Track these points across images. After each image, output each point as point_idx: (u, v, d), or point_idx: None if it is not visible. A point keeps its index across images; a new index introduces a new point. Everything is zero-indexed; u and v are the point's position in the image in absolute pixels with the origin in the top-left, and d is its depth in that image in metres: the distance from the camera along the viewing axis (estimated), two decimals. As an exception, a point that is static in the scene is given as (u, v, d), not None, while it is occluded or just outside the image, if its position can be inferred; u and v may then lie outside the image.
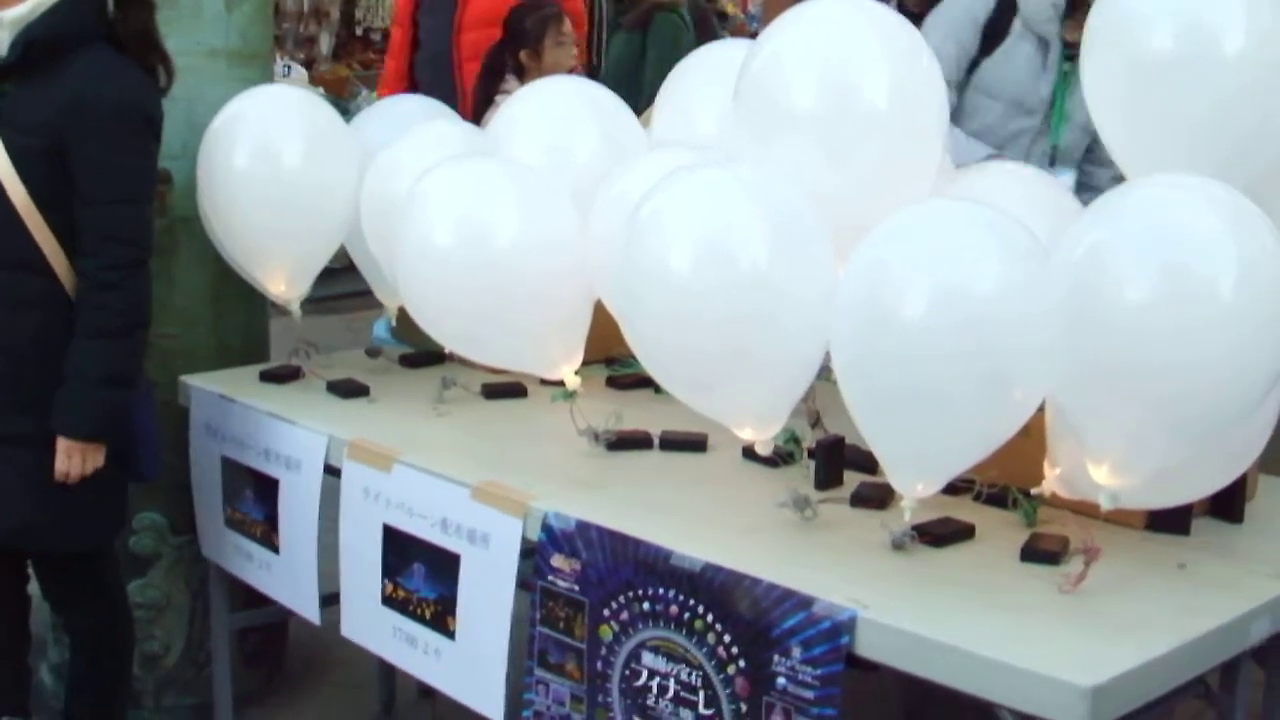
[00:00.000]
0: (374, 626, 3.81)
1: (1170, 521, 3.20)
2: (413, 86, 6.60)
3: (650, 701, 3.13)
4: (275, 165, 4.21)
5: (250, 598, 4.51)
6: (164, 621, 4.68)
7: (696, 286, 3.08)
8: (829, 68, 3.23)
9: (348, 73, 11.68)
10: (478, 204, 3.68)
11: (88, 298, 3.81)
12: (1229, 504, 3.28)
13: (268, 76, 4.83)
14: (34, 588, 4.29)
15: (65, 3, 3.87)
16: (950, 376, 2.84)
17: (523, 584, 3.43)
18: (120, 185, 3.85)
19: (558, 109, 4.10)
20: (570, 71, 6.14)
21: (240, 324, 4.73)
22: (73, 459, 3.81)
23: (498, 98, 6.13)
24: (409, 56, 6.80)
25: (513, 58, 6.26)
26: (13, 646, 4.35)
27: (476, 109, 6.02)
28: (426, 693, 4.82)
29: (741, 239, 3.09)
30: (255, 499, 4.19)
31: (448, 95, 5.75)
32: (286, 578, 4.15)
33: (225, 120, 4.28)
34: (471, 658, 3.53)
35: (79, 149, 3.80)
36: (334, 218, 4.27)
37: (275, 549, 4.15)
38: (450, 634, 3.57)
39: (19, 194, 3.80)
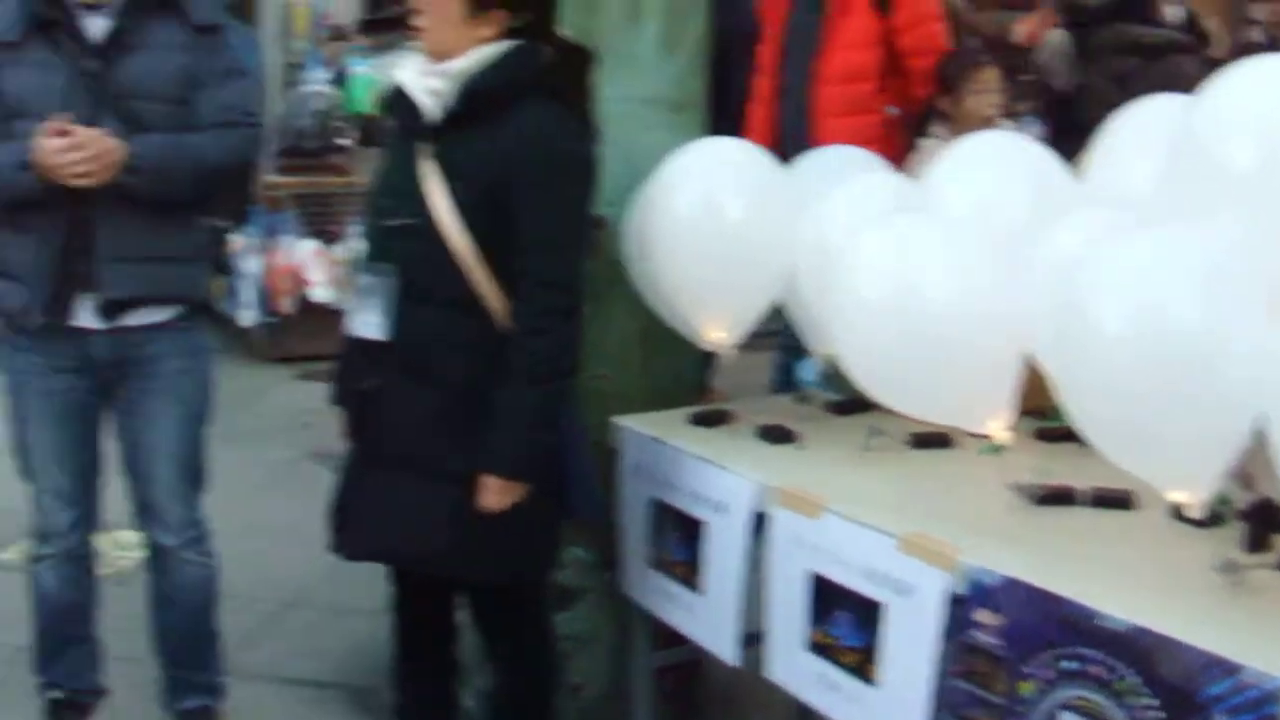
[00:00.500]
0: (798, 671, 3.92)
1: None
2: (777, 136, 6.63)
3: (1068, 761, 3.18)
4: (719, 219, 4.35)
5: (670, 636, 4.66)
6: (587, 654, 4.86)
7: (1130, 346, 3.13)
8: (1269, 126, 3.27)
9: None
10: (910, 259, 3.79)
11: (519, 342, 4.01)
12: None
13: (702, 125, 4.97)
14: (463, 615, 4.54)
15: (508, 55, 4.07)
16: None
17: (944, 637, 3.50)
18: (557, 233, 4.03)
19: (991, 163, 4.14)
20: (989, 121, 6.19)
21: (671, 366, 4.90)
22: (493, 496, 4.03)
23: (921, 141, 6.27)
24: (775, 106, 6.85)
25: (937, 103, 6.39)
26: (442, 672, 4.61)
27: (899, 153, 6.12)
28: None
29: (1177, 300, 3.13)
30: (680, 540, 4.35)
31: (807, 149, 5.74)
32: (707, 619, 4.29)
33: (669, 172, 4.44)
34: (893, 707, 3.62)
35: (520, 197, 3.98)
36: (774, 268, 4.39)
37: (697, 590, 4.29)
38: (872, 682, 3.67)
39: (460, 240, 4.01)
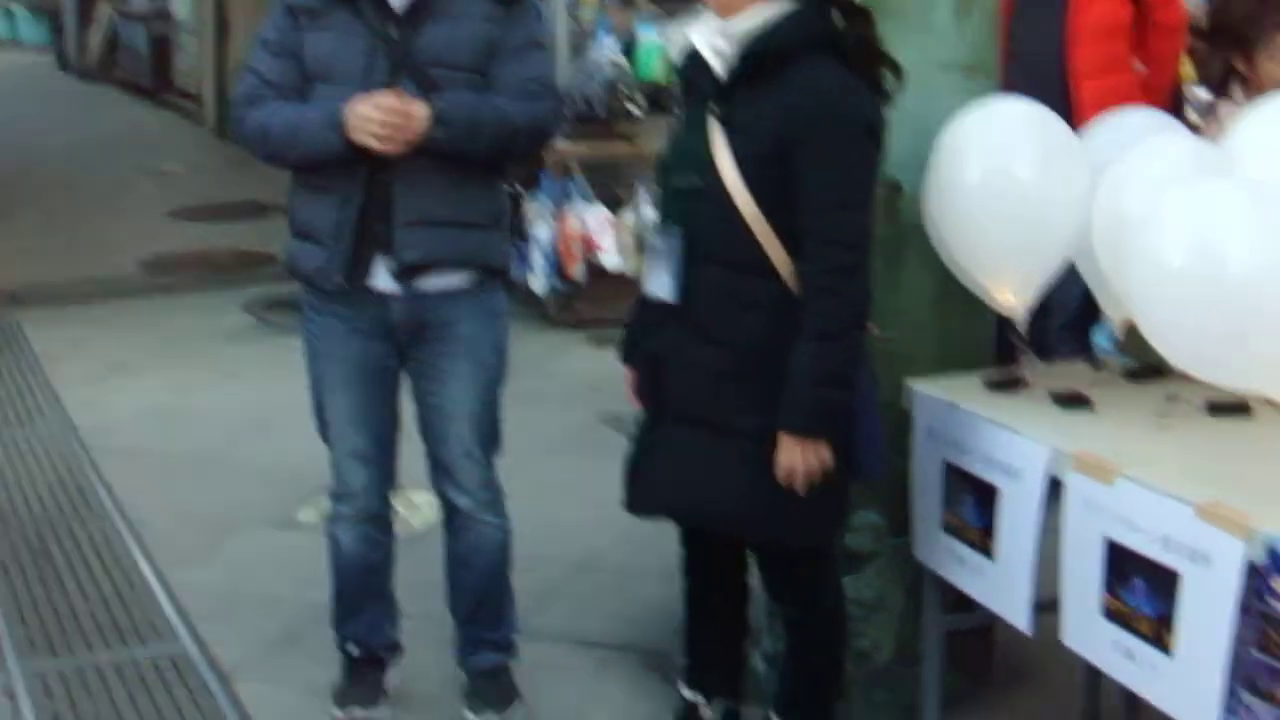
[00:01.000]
0: (1093, 637, 3.93)
1: None
2: None
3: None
4: (1008, 179, 4.33)
5: (960, 600, 4.68)
6: (876, 619, 4.90)
7: None
8: None
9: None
10: (1214, 226, 3.73)
11: (807, 301, 4.09)
12: None
13: (995, 88, 4.97)
14: (754, 579, 4.63)
15: (791, 16, 4.13)
16: None
17: (1241, 607, 3.48)
18: (837, 192, 4.07)
19: None
20: None
21: (964, 330, 4.90)
22: (793, 455, 4.10)
23: (1218, 103, 6.14)
24: (1005, 71, 6.71)
25: (1234, 65, 6.23)
26: (732, 633, 4.72)
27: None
28: (1130, 707, 4.92)
29: None
30: (974, 505, 4.36)
31: None
32: (999, 585, 4.31)
33: (957, 133, 4.45)
34: (1189, 677, 3.61)
35: (802, 156, 4.06)
36: (1064, 231, 4.36)
37: (990, 555, 4.31)
38: (1168, 651, 3.67)
39: (745, 200, 4.09)
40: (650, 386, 4.40)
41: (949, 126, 4.49)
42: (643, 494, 4.43)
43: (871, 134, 4.17)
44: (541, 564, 6.08)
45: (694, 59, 4.29)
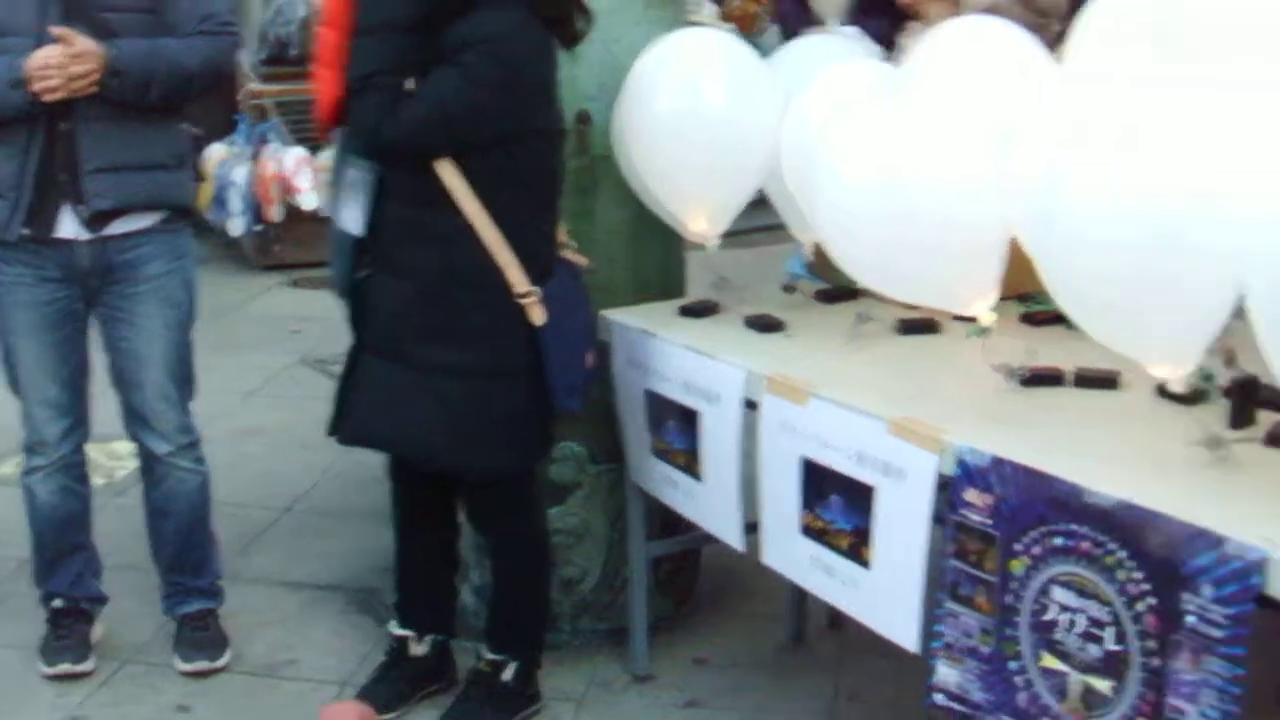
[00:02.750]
0: (793, 555, 3.98)
1: None
2: None
3: (1058, 636, 3.22)
4: (698, 108, 4.34)
5: (665, 526, 4.73)
6: (582, 548, 4.92)
7: (1109, 222, 3.10)
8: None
9: (756, 7, 11.69)
10: (894, 143, 3.74)
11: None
12: None
13: (681, 17, 4.96)
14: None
15: None
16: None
17: (936, 518, 3.54)
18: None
19: (976, 48, 4.11)
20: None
21: (658, 259, 4.91)
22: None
23: (899, 39, 6.18)
24: None
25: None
26: (442, 569, 4.70)
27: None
28: (835, 624, 5.01)
29: (1157, 171, 3.07)
30: (678, 429, 4.38)
31: None
32: (710, 506, 4.35)
33: (647, 63, 4.44)
34: (887, 588, 3.68)
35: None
36: (756, 158, 4.36)
37: (698, 477, 4.35)
38: (866, 564, 3.72)
39: None
40: (355, 317, 4.41)
41: (638, 57, 4.48)
42: (345, 423, 4.42)
43: (510, 73, 4.09)
44: (246, 509, 6.03)
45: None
